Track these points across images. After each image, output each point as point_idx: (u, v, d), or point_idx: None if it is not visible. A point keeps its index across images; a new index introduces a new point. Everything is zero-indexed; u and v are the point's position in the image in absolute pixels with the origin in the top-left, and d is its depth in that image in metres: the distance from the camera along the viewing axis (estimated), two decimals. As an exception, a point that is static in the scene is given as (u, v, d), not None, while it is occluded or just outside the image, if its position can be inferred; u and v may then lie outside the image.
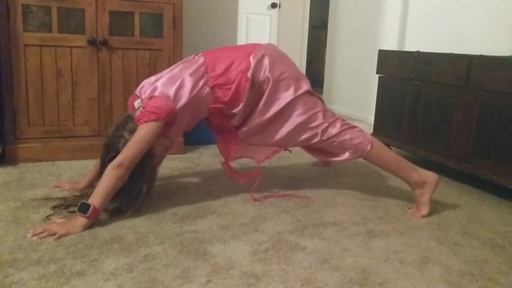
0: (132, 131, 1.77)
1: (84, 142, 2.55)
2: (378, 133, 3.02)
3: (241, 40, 4.52)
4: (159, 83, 1.84)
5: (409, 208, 2.00)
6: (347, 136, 1.97)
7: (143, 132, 1.74)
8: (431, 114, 2.56)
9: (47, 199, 1.88)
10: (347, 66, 4.72)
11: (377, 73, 3.02)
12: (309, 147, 2.12)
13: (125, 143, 1.75)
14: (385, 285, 1.36)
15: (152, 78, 1.90)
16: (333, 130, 1.97)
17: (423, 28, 3.62)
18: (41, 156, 2.47)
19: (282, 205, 2.00)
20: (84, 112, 2.55)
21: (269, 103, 1.94)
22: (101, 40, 2.50)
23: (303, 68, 6.54)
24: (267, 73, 1.92)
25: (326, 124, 1.97)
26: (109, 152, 1.78)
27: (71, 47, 2.46)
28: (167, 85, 1.83)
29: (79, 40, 2.47)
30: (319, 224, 1.81)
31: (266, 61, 1.94)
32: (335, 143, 1.98)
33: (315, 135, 1.97)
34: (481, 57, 2.27)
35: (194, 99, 1.85)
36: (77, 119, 2.54)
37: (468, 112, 2.30)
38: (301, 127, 1.97)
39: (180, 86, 1.83)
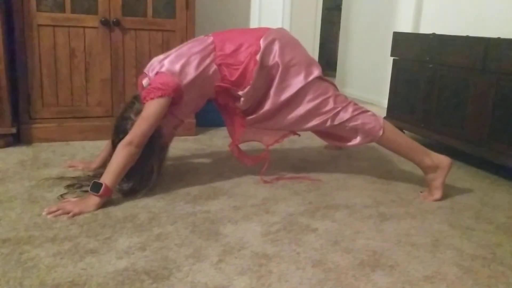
0: (139, 112, 1.78)
1: (97, 123, 2.56)
2: (392, 117, 2.99)
3: (254, 22, 4.47)
4: (166, 61, 1.84)
5: (421, 192, 1.98)
6: (359, 121, 1.95)
7: (150, 109, 1.75)
8: (446, 98, 2.53)
9: (61, 178, 1.91)
10: (361, 48, 4.66)
11: (391, 55, 2.98)
12: (320, 132, 2.11)
13: (132, 124, 1.76)
14: (396, 268, 1.36)
15: (161, 56, 1.89)
16: (345, 115, 1.95)
17: (439, 10, 3.55)
18: (55, 136, 2.49)
19: (293, 187, 2.00)
20: (97, 93, 2.56)
21: (280, 89, 1.93)
22: (114, 20, 2.49)
23: (316, 51, 6.48)
24: (276, 59, 1.90)
25: (337, 109, 1.95)
26: (118, 134, 1.80)
27: (84, 27, 2.46)
28: (174, 62, 1.83)
29: (92, 21, 2.47)
30: (331, 206, 1.81)
31: (276, 46, 1.92)
32: (346, 128, 1.97)
33: (326, 120, 1.96)
34: (499, 40, 2.22)
35: (200, 76, 1.85)
36: (90, 100, 2.56)
37: (484, 96, 2.26)
38: (311, 113, 1.95)
39: (187, 63, 1.83)
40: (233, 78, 1.88)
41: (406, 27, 3.84)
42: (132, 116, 1.80)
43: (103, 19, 2.47)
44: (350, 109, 1.96)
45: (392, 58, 2.98)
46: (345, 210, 1.77)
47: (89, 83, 2.54)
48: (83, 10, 2.45)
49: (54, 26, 2.41)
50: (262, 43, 1.89)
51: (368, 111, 2.00)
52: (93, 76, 2.53)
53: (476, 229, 1.67)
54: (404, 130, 2.95)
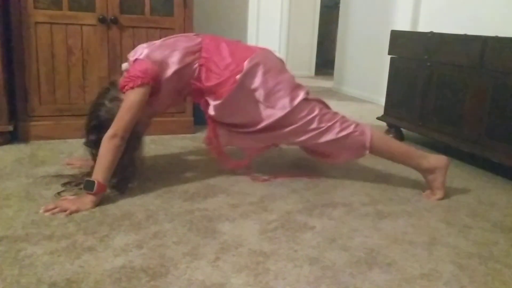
0: (114, 99, 1.77)
1: (95, 121, 2.55)
2: (389, 115, 2.99)
3: (252, 20, 4.48)
4: (148, 49, 1.82)
5: (424, 193, 1.98)
6: (343, 142, 1.94)
7: (131, 98, 1.73)
8: (443, 96, 2.53)
9: (58, 176, 1.90)
10: (359, 47, 4.66)
11: (389, 54, 2.98)
12: (305, 148, 2.13)
13: (106, 111, 1.76)
14: (393, 265, 1.37)
15: (145, 44, 1.87)
16: (329, 136, 1.92)
17: (437, 8, 3.56)
18: (53, 134, 2.49)
19: (291, 185, 2.00)
20: (95, 91, 2.51)
21: (264, 115, 1.90)
22: (112, 18, 2.49)
23: (314, 49, 6.49)
24: (258, 84, 1.87)
25: (321, 129, 1.92)
26: (91, 120, 1.79)
27: (81, 25, 2.46)
28: (156, 51, 1.81)
29: (89, 18, 2.46)
30: (328, 204, 1.81)
31: (260, 70, 1.88)
32: (331, 147, 1.97)
33: (310, 138, 1.93)
34: (496, 38, 2.22)
35: (181, 70, 1.84)
36: (88, 98, 2.54)
37: (482, 94, 2.27)
38: (294, 131, 1.93)
39: (170, 55, 1.82)
40: (208, 84, 1.87)
41: (404, 25, 3.84)
42: (106, 102, 1.78)
43: (100, 17, 2.46)
44: (335, 130, 1.92)
45: (390, 56, 2.98)
46: (342, 208, 1.78)
47: (87, 80, 2.53)
48: (81, 8, 2.44)
49: (51, 23, 2.40)
50: (246, 65, 1.86)
51: (356, 130, 1.94)
52: (90, 73, 2.53)
53: (473, 227, 1.68)
54: (401, 128, 2.96)
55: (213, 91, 1.88)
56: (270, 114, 1.89)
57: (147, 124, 1.99)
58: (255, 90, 1.88)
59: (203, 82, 1.88)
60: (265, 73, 1.89)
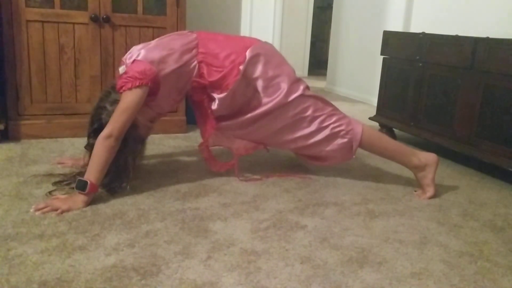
0: (115, 102, 1.75)
1: (86, 120, 2.47)
2: (381, 115, 3.01)
3: (245, 20, 4.47)
4: (145, 49, 1.81)
5: (415, 191, 1.99)
6: (330, 147, 1.96)
7: (128, 99, 1.71)
8: (435, 96, 2.55)
9: (49, 175, 1.89)
10: (352, 47, 4.68)
11: (381, 54, 3.00)
12: (294, 151, 2.13)
13: (107, 115, 1.74)
14: (384, 264, 1.37)
15: (140, 45, 1.86)
16: (316, 138, 1.94)
17: (429, 10, 3.58)
18: (44, 133, 2.48)
19: (283, 184, 2.01)
20: (87, 90, 2.54)
21: (260, 104, 1.91)
22: (104, 17, 2.48)
23: (307, 49, 6.51)
24: (259, 73, 1.89)
25: (310, 131, 1.93)
26: (93, 124, 1.78)
27: (73, 23, 2.44)
28: (153, 51, 1.80)
29: (81, 17, 2.45)
30: (320, 203, 1.82)
31: (261, 60, 1.89)
32: (317, 151, 1.99)
33: (298, 138, 1.95)
34: (487, 40, 2.24)
35: (180, 69, 1.83)
36: (79, 97, 2.54)
37: (472, 95, 2.28)
38: (284, 130, 1.94)
39: (167, 54, 1.80)
40: (211, 79, 1.86)
41: (396, 26, 3.86)
42: (108, 106, 1.77)
43: (93, 15, 2.45)
44: (324, 133, 1.94)
45: (382, 56, 3.00)
46: (334, 208, 1.78)
47: (79, 79, 2.52)
48: (73, 6, 2.43)
49: (43, 21, 2.39)
50: (248, 54, 1.87)
51: (346, 135, 1.95)
52: (82, 72, 2.52)
53: (464, 226, 1.69)
54: (393, 128, 2.97)
55: (217, 85, 1.87)
56: (265, 102, 1.90)
57: (149, 128, 1.97)
58: (255, 79, 1.89)
59: (206, 78, 1.87)
60: (265, 64, 1.90)
